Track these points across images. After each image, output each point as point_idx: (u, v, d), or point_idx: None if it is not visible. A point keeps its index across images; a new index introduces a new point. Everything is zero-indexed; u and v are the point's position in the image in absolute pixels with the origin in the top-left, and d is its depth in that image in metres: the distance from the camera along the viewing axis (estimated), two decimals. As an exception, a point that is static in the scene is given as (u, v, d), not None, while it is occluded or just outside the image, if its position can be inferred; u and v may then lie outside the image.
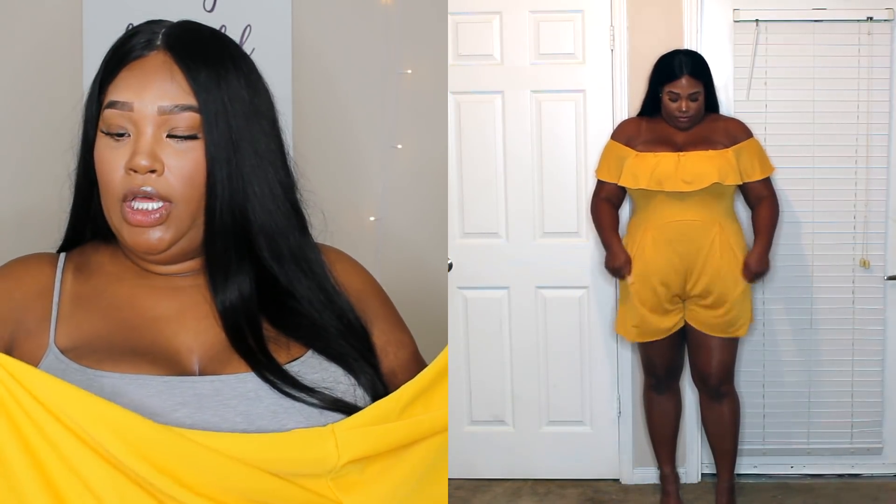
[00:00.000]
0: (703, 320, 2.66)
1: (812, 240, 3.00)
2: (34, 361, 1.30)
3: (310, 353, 1.37)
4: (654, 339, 2.71)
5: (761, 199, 2.71)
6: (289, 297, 1.41)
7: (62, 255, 1.44)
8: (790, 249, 2.98)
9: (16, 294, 1.36)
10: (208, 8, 2.19)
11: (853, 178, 2.97)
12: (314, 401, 1.29)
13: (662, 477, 2.91)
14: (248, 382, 1.30)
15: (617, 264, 2.69)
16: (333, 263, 1.49)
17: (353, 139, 2.30)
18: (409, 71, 2.30)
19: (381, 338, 1.47)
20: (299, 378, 1.31)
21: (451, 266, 3.01)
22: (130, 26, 2.12)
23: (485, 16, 2.97)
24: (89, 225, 1.45)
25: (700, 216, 2.59)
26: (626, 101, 2.92)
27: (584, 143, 2.98)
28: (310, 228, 1.47)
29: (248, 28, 2.19)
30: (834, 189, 2.97)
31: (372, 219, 2.30)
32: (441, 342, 2.29)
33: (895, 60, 2.93)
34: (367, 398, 1.35)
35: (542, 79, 2.98)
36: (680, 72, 2.61)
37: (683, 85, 2.60)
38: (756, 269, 2.65)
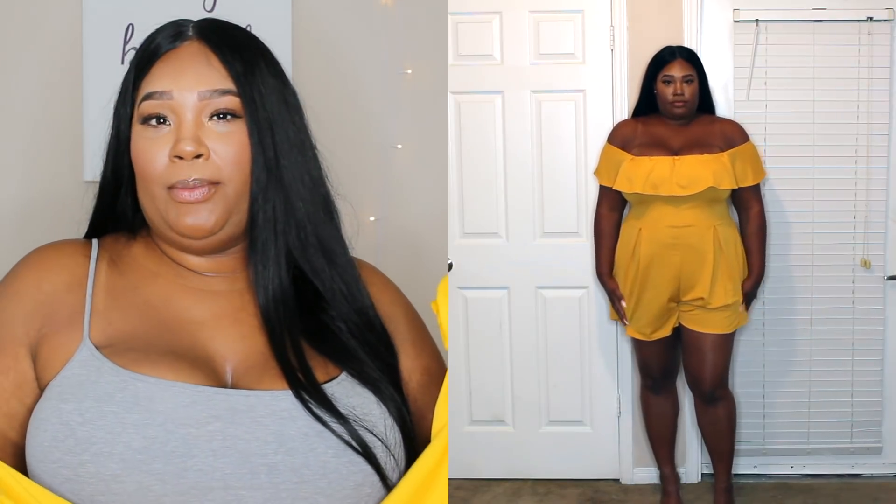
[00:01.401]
0: (695, 319, 2.65)
1: (812, 240, 2.99)
2: (66, 356, 1.29)
3: (344, 374, 1.35)
4: (651, 339, 2.72)
5: (749, 210, 2.70)
6: (320, 305, 1.40)
7: (95, 242, 1.41)
8: (790, 249, 2.98)
9: (45, 286, 1.34)
10: (208, 8, 2.19)
11: (853, 178, 2.97)
12: (343, 433, 1.28)
13: (662, 477, 2.90)
14: (282, 401, 1.28)
15: (608, 294, 2.78)
16: (365, 277, 1.48)
17: (352, 139, 2.30)
18: (409, 71, 2.30)
19: (407, 363, 1.46)
20: (334, 402, 1.30)
21: (451, 266, 3.01)
22: (131, 27, 2.13)
23: (485, 16, 2.97)
24: (111, 225, 1.44)
25: (695, 221, 2.59)
26: (626, 101, 2.92)
27: (584, 143, 2.98)
28: (341, 225, 1.47)
29: (248, 28, 2.18)
30: (834, 189, 2.97)
31: (372, 219, 2.30)
32: (441, 342, 2.29)
33: (895, 60, 2.93)
34: (396, 428, 1.35)
35: (542, 79, 2.98)
36: (671, 57, 2.63)
37: (677, 67, 2.61)
38: (750, 292, 2.71)
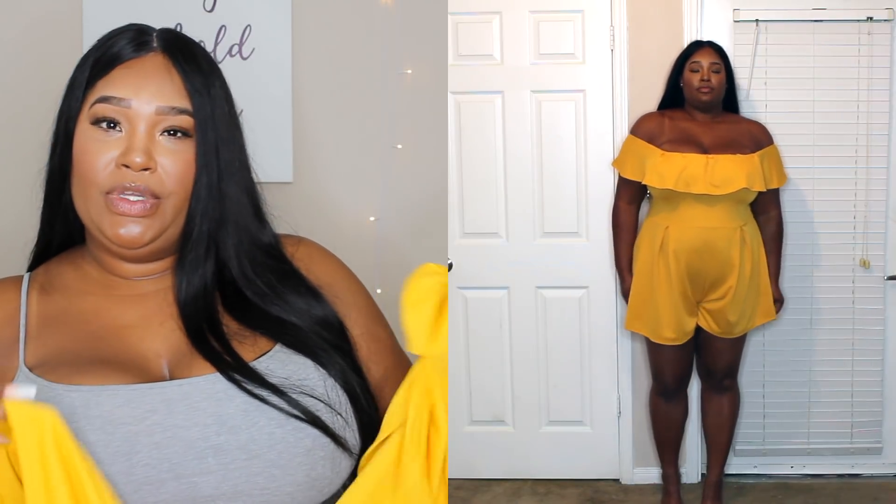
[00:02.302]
0: (715, 323, 2.65)
1: (812, 240, 3.00)
2: (3, 385, 1.30)
3: (278, 346, 1.37)
4: (675, 343, 2.66)
5: (769, 214, 2.71)
6: (253, 291, 1.42)
7: (26, 276, 1.44)
8: (790, 249, 2.98)
9: None
10: (208, 8, 2.19)
11: (853, 178, 2.97)
12: (281, 403, 1.29)
13: (664, 477, 2.89)
14: (216, 383, 1.30)
15: (624, 290, 2.75)
16: (295, 253, 1.50)
17: (352, 139, 2.30)
18: (409, 71, 2.30)
19: (354, 329, 1.47)
20: (268, 375, 1.31)
21: (451, 266, 3.01)
22: (130, 26, 2.13)
23: (485, 16, 2.97)
24: (59, 222, 1.45)
25: (724, 223, 2.57)
26: (626, 101, 2.92)
27: (584, 143, 2.98)
28: (270, 222, 1.50)
29: (248, 28, 2.18)
30: (834, 189, 2.97)
31: (372, 219, 2.30)
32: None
33: (895, 60, 2.93)
34: (339, 388, 1.36)
35: (542, 79, 2.98)
36: (700, 46, 2.66)
37: (705, 55, 2.63)
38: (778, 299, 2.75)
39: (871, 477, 3.11)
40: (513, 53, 2.97)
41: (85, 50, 2.13)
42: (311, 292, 1.45)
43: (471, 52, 2.98)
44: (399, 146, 2.31)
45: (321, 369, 1.36)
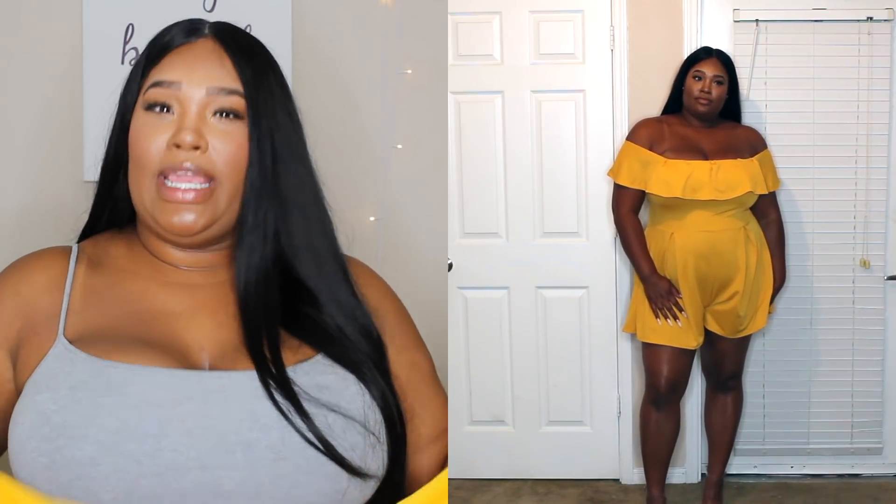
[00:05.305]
0: (722, 324, 2.65)
1: (812, 240, 3.00)
2: (41, 354, 1.31)
3: (320, 356, 1.35)
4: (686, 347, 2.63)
5: (768, 217, 2.72)
6: (308, 301, 1.41)
7: (76, 246, 1.44)
8: (790, 249, 2.97)
9: (23, 289, 1.36)
10: (208, 8, 2.19)
11: (853, 178, 2.97)
12: (304, 428, 1.26)
13: (650, 499, 2.80)
14: (255, 380, 1.29)
15: (662, 292, 2.59)
16: (356, 274, 1.49)
17: (352, 139, 2.30)
18: (409, 71, 2.30)
19: (393, 356, 1.45)
20: (304, 385, 1.29)
21: (451, 266, 3.01)
22: (131, 27, 2.13)
23: (485, 16, 2.97)
24: (108, 210, 1.46)
25: (728, 225, 2.57)
26: (626, 101, 2.92)
27: (584, 143, 2.98)
28: (336, 233, 1.48)
29: (248, 28, 2.18)
30: (834, 189, 2.97)
31: (372, 219, 2.30)
32: (441, 342, 2.30)
33: (895, 60, 2.93)
34: (377, 408, 1.34)
35: (542, 79, 2.98)
36: (707, 55, 2.64)
37: (710, 66, 2.61)
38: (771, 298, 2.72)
39: (871, 477, 3.11)
40: (513, 53, 2.97)
41: (85, 50, 2.15)
42: (361, 308, 1.44)
43: (471, 52, 2.98)
44: (399, 146, 2.31)
45: (361, 385, 1.34)
